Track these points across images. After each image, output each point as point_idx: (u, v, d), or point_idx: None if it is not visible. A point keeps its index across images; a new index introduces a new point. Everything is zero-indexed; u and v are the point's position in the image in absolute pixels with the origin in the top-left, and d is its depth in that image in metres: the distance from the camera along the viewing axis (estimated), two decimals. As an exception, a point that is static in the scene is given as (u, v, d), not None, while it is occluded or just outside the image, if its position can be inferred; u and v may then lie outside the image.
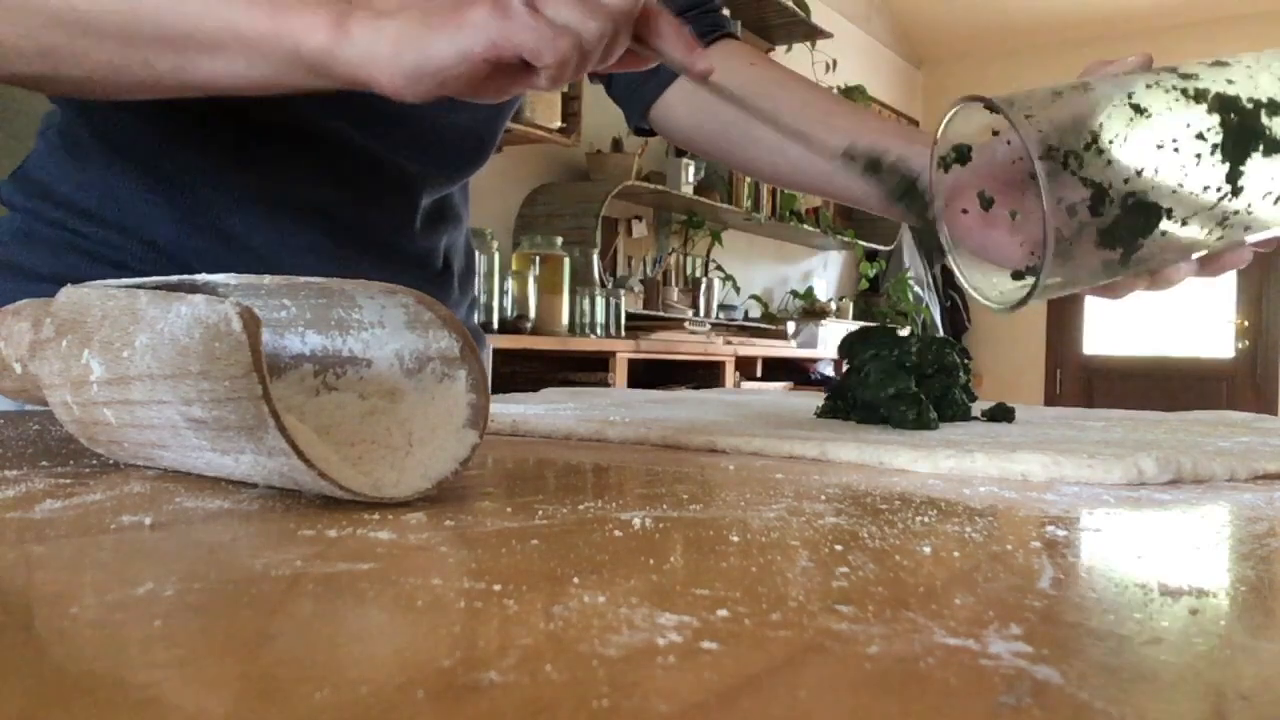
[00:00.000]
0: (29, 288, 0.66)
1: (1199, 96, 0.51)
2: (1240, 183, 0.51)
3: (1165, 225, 0.51)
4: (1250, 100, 0.51)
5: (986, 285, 0.56)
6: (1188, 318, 5.72)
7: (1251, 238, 0.55)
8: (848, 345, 0.69)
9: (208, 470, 0.38)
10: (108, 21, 0.54)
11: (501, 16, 0.48)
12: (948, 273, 5.97)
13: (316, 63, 0.52)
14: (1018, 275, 0.56)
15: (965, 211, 0.57)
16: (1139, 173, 0.49)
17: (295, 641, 0.21)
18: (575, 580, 0.25)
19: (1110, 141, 0.49)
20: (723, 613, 0.23)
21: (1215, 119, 0.51)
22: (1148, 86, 0.51)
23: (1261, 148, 0.51)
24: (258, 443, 0.34)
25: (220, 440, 0.35)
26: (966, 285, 0.56)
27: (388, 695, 0.18)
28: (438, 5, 0.50)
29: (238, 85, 0.55)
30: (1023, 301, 0.52)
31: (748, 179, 4.62)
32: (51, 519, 0.32)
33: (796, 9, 4.37)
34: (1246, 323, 5.61)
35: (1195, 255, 0.55)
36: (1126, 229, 0.50)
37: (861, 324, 4.57)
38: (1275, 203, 0.53)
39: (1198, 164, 0.50)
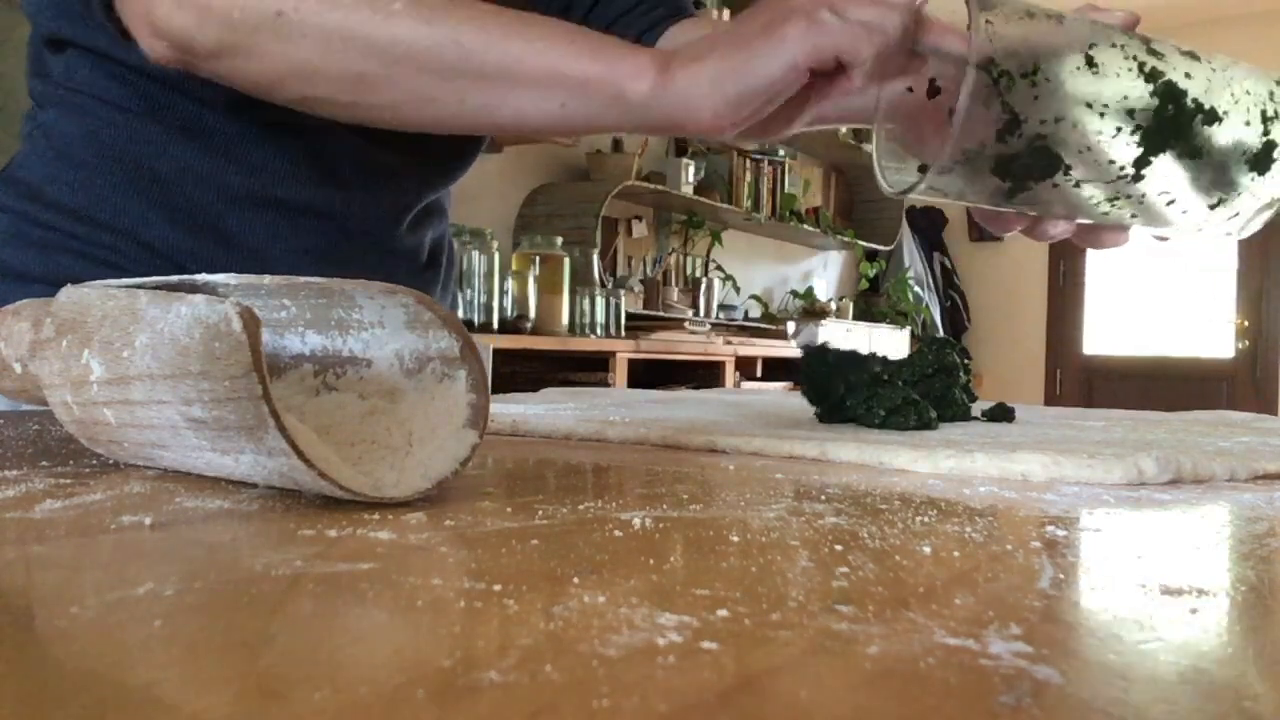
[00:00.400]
0: (22, 289, 0.65)
1: (1151, 76, 0.51)
2: (1144, 171, 0.52)
3: (1059, 178, 0.51)
4: (1194, 101, 0.51)
5: (891, 170, 0.57)
6: (1188, 318, 5.72)
7: (1136, 225, 0.56)
8: (810, 368, 0.67)
9: (208, 470, 0.38)
10: (429, 54, 0.55)
11: (815, 24, 0.51)
12: (948, 273, 5.97)
13: (637, 106, 0.54)
14: (922, 170, 0.56)
15: (910, 90, 0.58)
16: (1057, 120, 0.50)
17: (295, 641, 0.21)
18: (575, 580, 0.25)
19: (1047, 80, 0.49)
20: (723, 613, 0.23)
21: (1153, 103, 0.51)
22: (1111, 45, 0.51)
23: (1178, 149, 0.52)
24: (258, 443, 0.34)
25: (220, 440, 0.35)
26: (875, 165, 0.57)
27: (388, 695, 0.18)
28: (749, 34, 0.53)
29: (545, 124, 0.57)
30: (908, 190, 0.53)
31: (747, 179, 4.62)
32: (51, 519, 0.32)
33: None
34: (1246, 323, 5.61)
35: (1077, 219, 0.56)
36: (1023, 166, 0.51)
37: (831, 337, 4.57)
38: (1168, 204, 0.54)
39: (1114, 136, 0.51)
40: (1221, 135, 0.52)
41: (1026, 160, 0.50)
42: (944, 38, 0.55)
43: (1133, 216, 0.55)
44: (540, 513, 0.35)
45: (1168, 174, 0.52)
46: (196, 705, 0.17)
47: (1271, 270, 5.51)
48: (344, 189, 0.78)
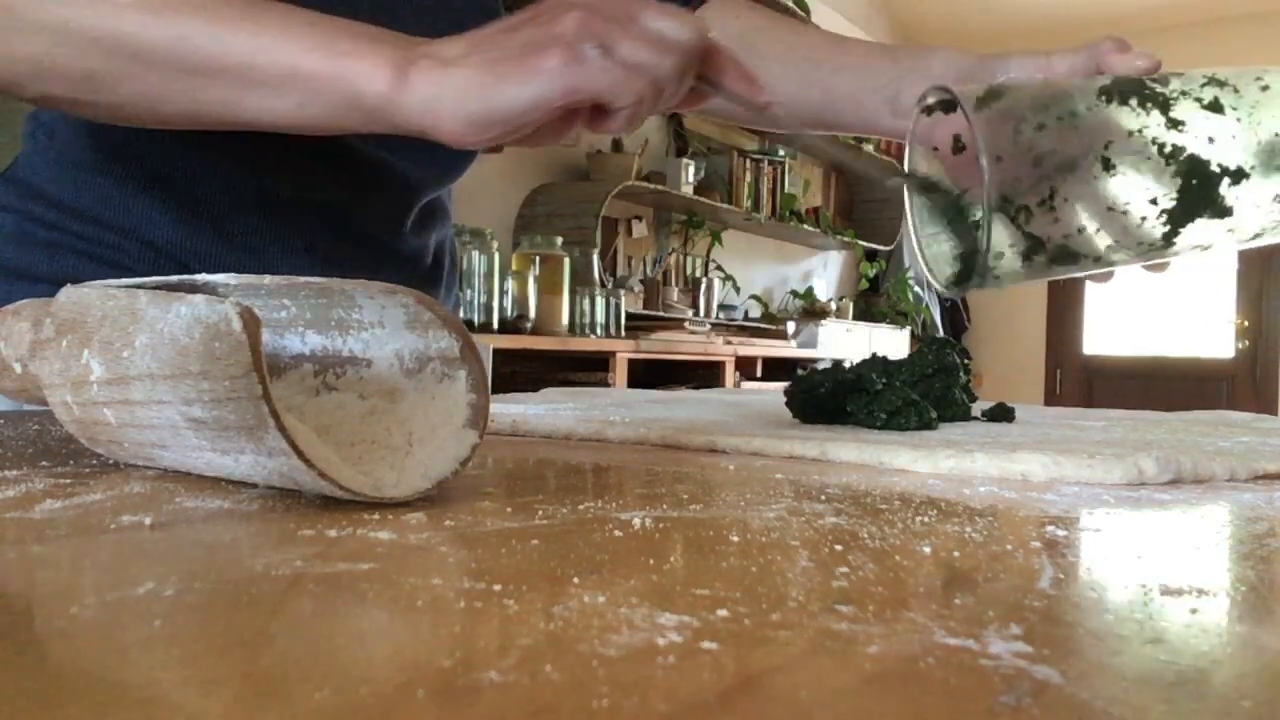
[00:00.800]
0: (27, 289, 0.65)
1: (1172, 156, 0.51)
2: (1174, 240, 0.52)
3: (1090, 265, 0.53)
4: (1219, 166, 0.51)
5: (934, 251, 0.57)
6: (1188, 318, 5.72)
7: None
8: (799, 400, 0.67)
9: (208, 470, 0.38)
10: (156, 50, 0.53)
11: (575, 62, 0.48)
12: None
13: (375, 109, 0.51)
14: (963, 277, 0.56)
15: (935, 150, 0.57)
16: (1080, 230, 0.50)
17: (295, 641, 0.21)
18: (575, 580, 0.25)
19: (1065, 200, 0.50)
20: (723, 613, 0.23)
21: (1176, 184, 0.51)
22: (1129, 134, 0.50)
23: (1207, 213, 0.52)
24: (258, 443, 0.34)
25: (220, 440, 0.35)
26: (923, 268, 0.57)
27: (388, 695, 0.18)
28: (505, 53, 0.49)
29: (285, 123, 0.54)
30: (957, 288, 0.54)
31: (747, 179, 4.62)
32: (51, 519, 0.32)
33: (796, 9, 4.37)
34: (1246, 323, 5.61)
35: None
36: (1049, 264, 0.51)
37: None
38: (1204, 251, 0.54)
39: (1140, 225, 0.51)
40: (1250, 190, 0.52)
41: (1053, 260, 0.51)
42: (731, 78, 0.53)
43: (1157, 261, 0.56)
44: (540, 513, 0.35)
45: (1200, 235, 0.52)
46: (196, 705, 0.17)
47: (1271, 270, 5.51)
48: (346, 189, 0.78)
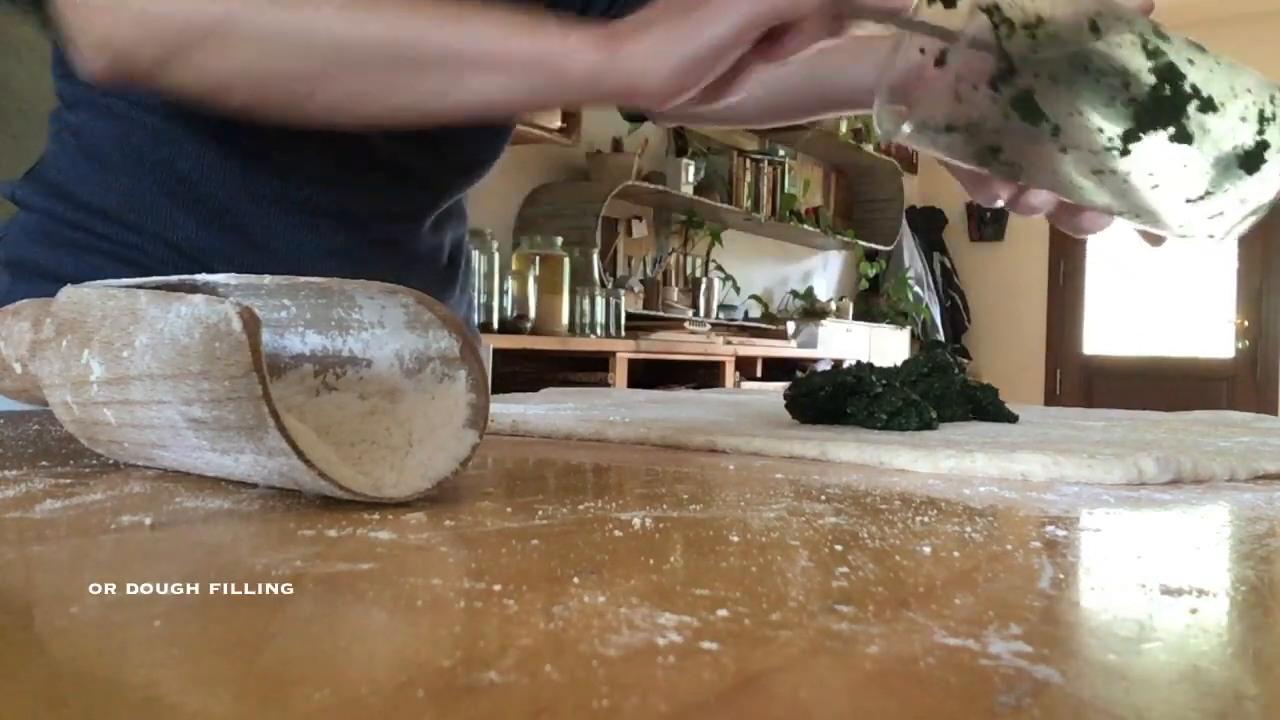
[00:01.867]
0: (53, 289, 0.65)
1: (1153, 54, 0.51)
2: (1131, 146, 0.51)
3: (1046, 138, 0.51)
4: (1192, 86, 0.51)
5: (889, 118, 0.57)
6: (1188, 318, 5.72)
7: (1119, 212, 0.56)
8: (799, 403, 0.67)
9: (208, 470, 0.38)
10: (370, 47, 0.55)
11: None
12: (948, 272, 5.97)
13: (583, 84, 0.54)
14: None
15: (922, 51, 0.58)
16: (1052, 77, 0.50)
17: (295, 641, 0.21)
18: (575, 580, 0.25)
19: (1048, 35, 0.49)
20: (723, 613, 0.23)
21: (1150, 80, 0.51)
22: (1118, 18, 0.51)
23: (1170, 131, 0.51)
24: (258, 443, 0.34)
25: (220, 440, 0.35)
26: (875, 115, 0.57)
27: (388, 695, 0.18)
28: (689, 2, 0.52)
29: (494, 106, 0.57)
30: (897, 133, 0.53)
31: (747, 179, 4.62)
32: (51, 519, 0.32)
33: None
34: (1246, 323, 5.61)
35: (1061, 195, 0.56)
36: (1010, 119, 0.50)
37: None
38: (1153, 188, 0.53)
39: (1107, 105, 0.50)
40: (1215, 125, 0.52)
41: (1014, 110, 0.50)
42: None
43: (1119, 195, 0.54)
44: (540, 513, 0.35)
45: (1156, 156, 0.52)
46: (196, 705, 0.17)
47: (1271, 270, 5.51)
48: (368, 190, 0.78)
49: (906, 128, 0.52)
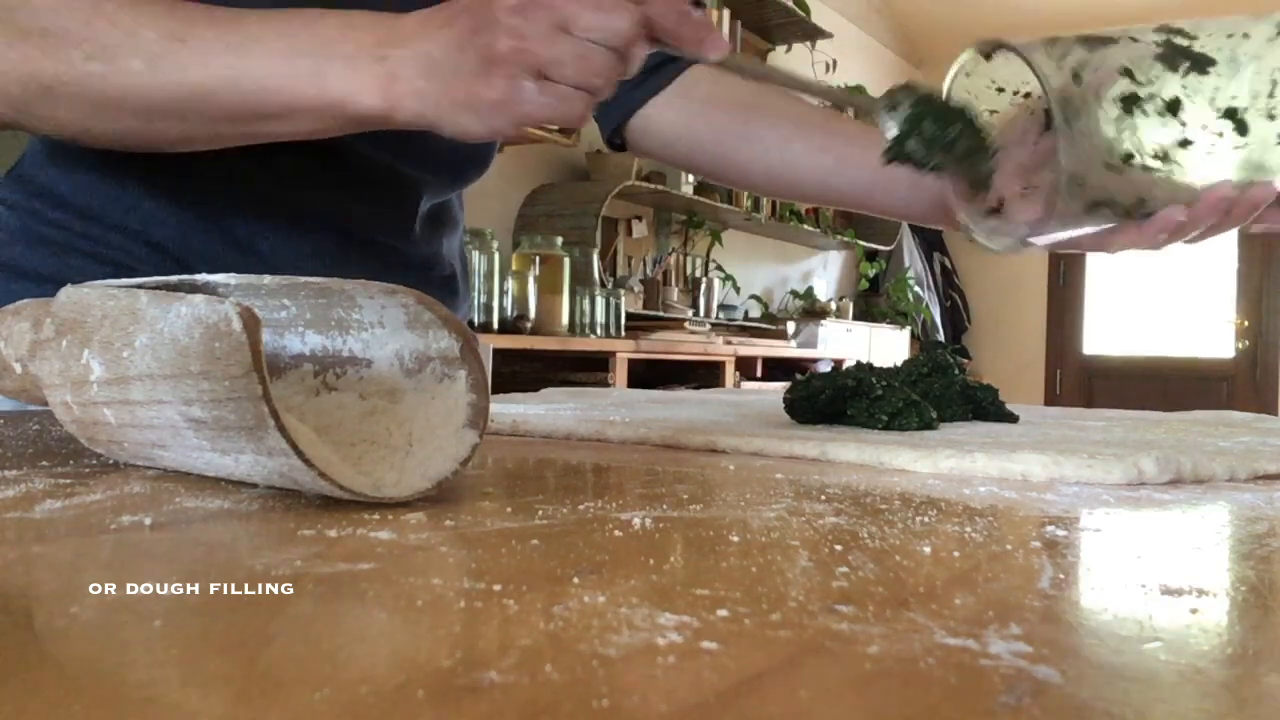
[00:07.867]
0: (32, 289, 0.65)
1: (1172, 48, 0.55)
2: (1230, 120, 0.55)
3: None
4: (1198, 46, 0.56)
5: (982, 232, 0.58)
6: (1188, 318, 5.72)
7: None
8: (798, 405, 0.67)
9: (208, 470, 0.38)
10: (178, 102, 0.59)
11: (513, 95, 0.53)
12: (948, 272, 5.97)
13: (378, 121, 0.57)
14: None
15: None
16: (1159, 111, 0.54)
17: (295, 641, 0.21)
18: (575, 580, 0.25)
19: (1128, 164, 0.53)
20: (723, 613, 0.23)
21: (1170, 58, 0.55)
22: (1131, 39, 0.56)
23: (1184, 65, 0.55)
24: (258, 443, 0.34)
25: (220, 440, 0.35)
26: (973, 233, 0.58)
27: (388, 695, 0.18)
28: (458, 74, 0.54)
29: (313, 134, 0.61)
30: (1019, 244, 0.56)
31: (748, 178, 4.61)
32: (51, 519, 0.32)
33: (796, 9, 4.37)
34: (1246, 323, 5.61)
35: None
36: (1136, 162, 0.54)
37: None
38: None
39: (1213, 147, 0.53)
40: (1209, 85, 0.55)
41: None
42: (685, 38, 0.55)
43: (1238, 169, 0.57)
44: (540, 513, 0.35)
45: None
46: (196, 705, 0.17)
47: (1271, 270, 5.51)
48: (350, 192, 0.78)
49: (1024, 231, 0.54)
